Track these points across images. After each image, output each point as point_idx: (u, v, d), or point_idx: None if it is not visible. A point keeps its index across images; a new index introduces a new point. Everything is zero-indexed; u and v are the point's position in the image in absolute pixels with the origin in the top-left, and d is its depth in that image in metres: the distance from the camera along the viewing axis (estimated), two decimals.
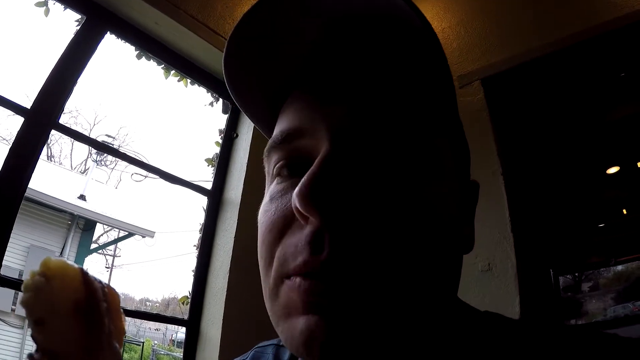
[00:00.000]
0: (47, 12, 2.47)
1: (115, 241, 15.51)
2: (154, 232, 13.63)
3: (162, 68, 2.91)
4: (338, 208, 0.43)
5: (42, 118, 2.13)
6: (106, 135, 16.70)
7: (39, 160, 2.14)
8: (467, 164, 0.61)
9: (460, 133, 0.59)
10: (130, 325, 20.46)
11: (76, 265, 0.42)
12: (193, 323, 2.61)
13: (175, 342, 19.37)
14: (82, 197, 11.95)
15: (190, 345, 2.56)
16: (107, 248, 18.28)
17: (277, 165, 0.54)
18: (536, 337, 0.49)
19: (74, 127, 2.51)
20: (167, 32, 2.70)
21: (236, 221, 2.70)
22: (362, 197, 0.44)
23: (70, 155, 22.45)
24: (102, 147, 3.22)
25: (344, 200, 0.43)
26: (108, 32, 2.52)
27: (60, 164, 19.38)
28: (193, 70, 2.94)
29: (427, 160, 0.48)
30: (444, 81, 0.53)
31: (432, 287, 0.46)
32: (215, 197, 2.91)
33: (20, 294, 0.40)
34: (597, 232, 4.61)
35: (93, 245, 13.58)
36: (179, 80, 3.00)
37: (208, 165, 3.06)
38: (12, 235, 1.97)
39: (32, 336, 0.39)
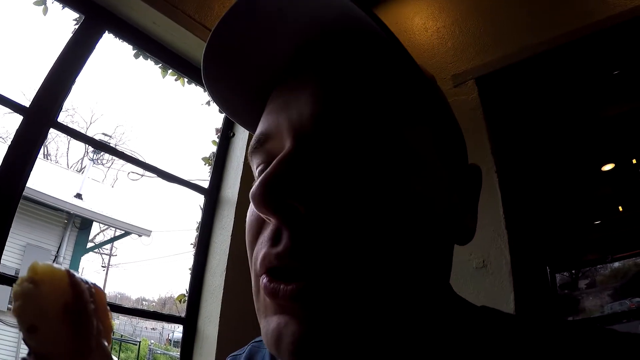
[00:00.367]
0: (45, 11, 2.47)
1: (112, 240, 15.46)
2: (151, 231, 13.58)
3: (160, 67, 2.92)
4: (293, 205, 0.44)
5: (41, 117, 2.14)
6: (103, 133, 16.65)
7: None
8: (460, 151, 0.60)
9: (447, 122, 0.57)
10: (127, 324, 20.40)
11: (63, 268, 0.43)
12: (190, 321, 2.62)
13: (172, 341, 19.32)
14: (78, 196, 11.91)
15: (188, 343, 2.57)
16: (104, 247, 18.23)
17: (258, 169, 0.55)
18: (533, 331, 0.49)
19: (70, 126, 2.50)
20: (165, 32, 2.71)
21: (233, 219, 2.71)
22: (321, 191, 0.45)
23: (67, 153, 22.38)
24: (101, 146, 3.22)
25: (300, 197, 0.44)
26: (106, 32, 2.53)
27: (57, 162, 19.33)
28: (190, 69, 2.95)
29: (395, 151, 0.47)
30: (411, 76, 0.52)
31: (403, 280, 0.45)
32: (212, 195, 2.92)
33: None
34: (593, 229, 4.62)
35: (89, 244, 13.53)
36: (176, 80, 3.01)
37: (205, 164, 3.07)
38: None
39: (25, 341, 0.40)
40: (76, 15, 2.43)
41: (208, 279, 2.69)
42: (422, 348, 0.49)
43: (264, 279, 0.46)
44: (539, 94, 3.27)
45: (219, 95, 0.63)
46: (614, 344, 0.45)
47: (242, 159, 2.87)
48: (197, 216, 2.91)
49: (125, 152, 3.27)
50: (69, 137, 2.72)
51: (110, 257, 19.63)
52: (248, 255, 0.52)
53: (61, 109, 2.27)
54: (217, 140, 3.08)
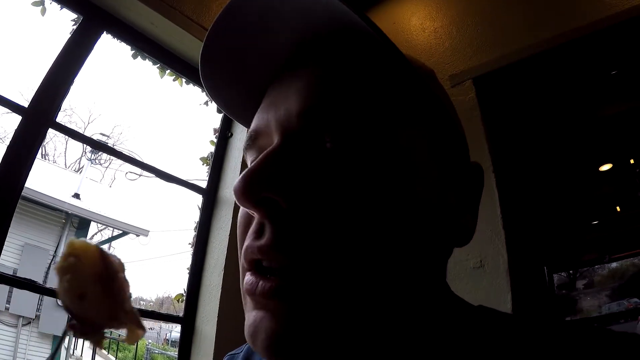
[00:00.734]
0: (43, 12, 2.47)
1: (110, 240, 15.44)
2: (148, 231, 13.58)
3: (158, 67, 2.92)
4: (274, 200, 0.44)
5: (39, 117, 2.14)
6: (100, 134, 16.63)
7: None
8: (459, 149, 0.59)
9: (443, 120, 0.57)
10: None
11: (94, 243, 0.47)
12: (188, 320, 2.62)
13: (170, 341, 19.32)
14: (76, 196, 11.90)
15: (186, 342, 2.58)
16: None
17: None
18: (529, 330, 0.49)
19: (68, 126, 2.50)
20: (163, 32, 2.71)
21: (231, 219, 2.72)
22: (304, 187, 0.45)
23: (65, 153, 22.35)
24: (99, 146, 3.21)
25: (282, 191, 0.44)
26: (104, 32, 2.53)
27: (55, 162, 19.32)
28: (188, 69, 2.95)
29: (380, 149, 0.47)
30: (401, 74, 0.52)
31: (384, 278, 0.45)
32: (210, 195, 2.92)
33: (54, 276, 0.45)
34: (591, 229, 4.61)
35: None
36: (174, 80, 3.01)
37: (203, 164, 3.07)
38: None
39: (68, 308, 0.44)
40: (74, 15, 2.43)
41: (206, 279, 2.70)
42: (416, 347, 0.49)
43: (247, 275, 0.47)
44: (537, 94, 3.27)
45: (217, 94, 0.63)
46: (611, 343, 0.45)
47: (240, 159, 2.87)
48: (195, 216, 2.91)
49: (123, 152, 3.27)
50: (66, 137, 2.73)
51: None
52: (238, 251, 0.53)
53: (60, 109, 2.28)
54: (215, 140, 3.08)
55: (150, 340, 18.68)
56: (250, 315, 0.46)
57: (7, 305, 10.02)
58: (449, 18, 3.16)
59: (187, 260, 2.84)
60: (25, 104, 2.15)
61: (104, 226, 15.03)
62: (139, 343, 15.60)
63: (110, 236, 15.08)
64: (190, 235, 2.89)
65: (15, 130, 2.08)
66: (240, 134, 2.99)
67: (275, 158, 0.46)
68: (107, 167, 21.27)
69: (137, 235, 13.50)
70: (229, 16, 0.54)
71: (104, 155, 19.31)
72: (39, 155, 2.10)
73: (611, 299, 2.93)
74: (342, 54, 0.51)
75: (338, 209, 0.44)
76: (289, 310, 0.43)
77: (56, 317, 10.75)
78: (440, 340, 0.50)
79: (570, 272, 3.18)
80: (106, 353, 15.28)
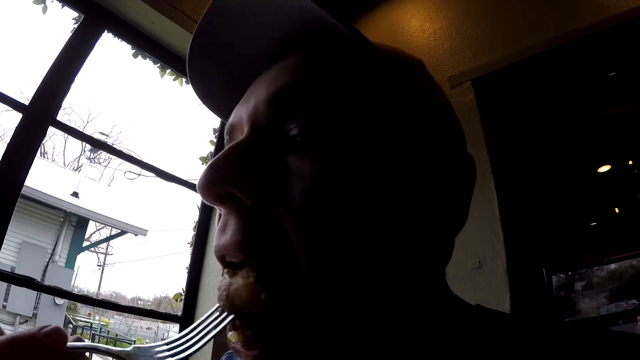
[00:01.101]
0: (44, 10, 2.48)
1: (108, 239, 15.48)
2: (147, 231, 13.60)
3: (158, 67, 2.93)
4: (236, 196, 0.43)
5: (40, 114, 2.15)
6: (100, 132, 16.63)
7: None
8: (446, 141, 0.56)
9: (423, 112, 0.54)
10: (122, 324, 20.38)
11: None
12: (187, 319, 2.62)
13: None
14: (75, 195, 11.91)
15: None
16: (99, 246, 18.23)
17: None
18: (527, 329, 0.49)
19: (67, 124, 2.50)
20: (164, 32, 2.72)
21: None
22: (267, 184, 0.44)
23: (64, 152, 22.35)
24: (100, 144, 3.22)
25: (247, 189, 0.43)
26: (105, 31, 2.53)
27: (54, 160, 19.31)
28: None
29: (346, 144, 0.45)
30: (372, 70, 0.51)
31: (365, 285, 0.43)
32: None
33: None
34: (589, 230, 4.60)
35: (85, 243, 13.54)
36: (174, 79, 3.02)
37: (202, 164, 3.07)
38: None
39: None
40: (76, 14, 2.43)
41: (205, 278, 2.70)
42: (413, 347, 0.48)
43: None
44: (536, 95, 3.27)
45: (207, 98, 0.63)
46: (609, 343, 0.44)
47: None
48: (194, 216, 2.91)
49: (122, 151, 3.27)
50: (65, 135, 2.73)
51: (106, 256, 19.63)
52: None
53: (60, 107, 2.28)
54: (215, 139, 3.08)
55: (147, 340, 18.66)
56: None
57: (4, 304, 10.01)
58: (448, 20, 3.17)
59: (185, 259, 2.85)
60: (26, 102, 2.15)
61: (102, 225, 15.02)
62: (136, 342, 15.60)
63: (108, 235, 15.08)
64: (189, 234, 2.90)
65: (16, 127, 2.08)
66: None
67: (241, 150, 0.46)
68: (106, 166, 21.28)
69: (136, 235, 13.52)
70: (211, 15, 0.54)
71: (103, 154, 19.31)
72: (37, 154, 2.10)
73: (610, 301, 2.92)
74: (313, 49, 0.51)
75: (303, 209, 0.43)
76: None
77: (53, 315, 10.76)
78: (439, 339, 0.49)
79: (569, 273, 3.18)
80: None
